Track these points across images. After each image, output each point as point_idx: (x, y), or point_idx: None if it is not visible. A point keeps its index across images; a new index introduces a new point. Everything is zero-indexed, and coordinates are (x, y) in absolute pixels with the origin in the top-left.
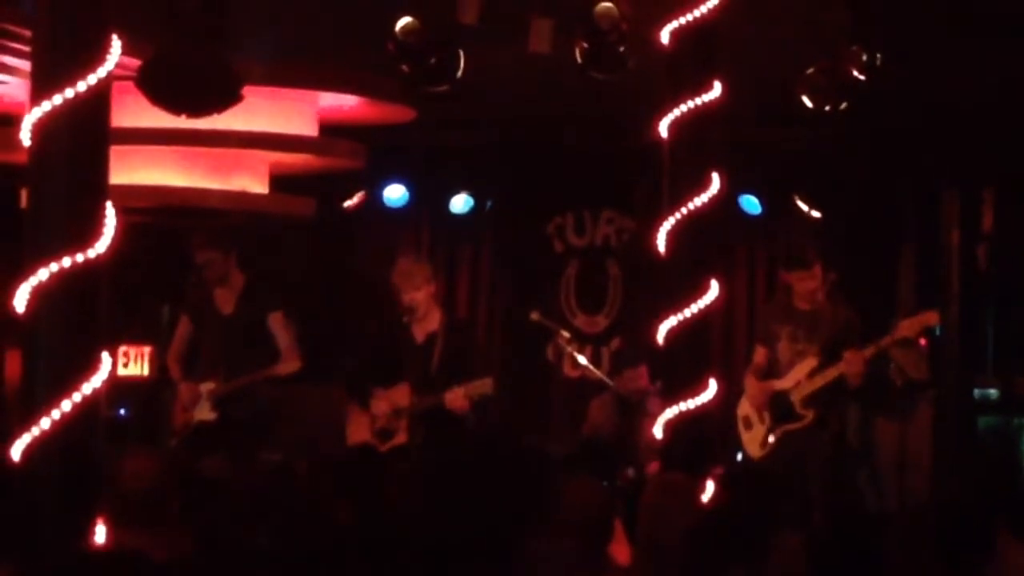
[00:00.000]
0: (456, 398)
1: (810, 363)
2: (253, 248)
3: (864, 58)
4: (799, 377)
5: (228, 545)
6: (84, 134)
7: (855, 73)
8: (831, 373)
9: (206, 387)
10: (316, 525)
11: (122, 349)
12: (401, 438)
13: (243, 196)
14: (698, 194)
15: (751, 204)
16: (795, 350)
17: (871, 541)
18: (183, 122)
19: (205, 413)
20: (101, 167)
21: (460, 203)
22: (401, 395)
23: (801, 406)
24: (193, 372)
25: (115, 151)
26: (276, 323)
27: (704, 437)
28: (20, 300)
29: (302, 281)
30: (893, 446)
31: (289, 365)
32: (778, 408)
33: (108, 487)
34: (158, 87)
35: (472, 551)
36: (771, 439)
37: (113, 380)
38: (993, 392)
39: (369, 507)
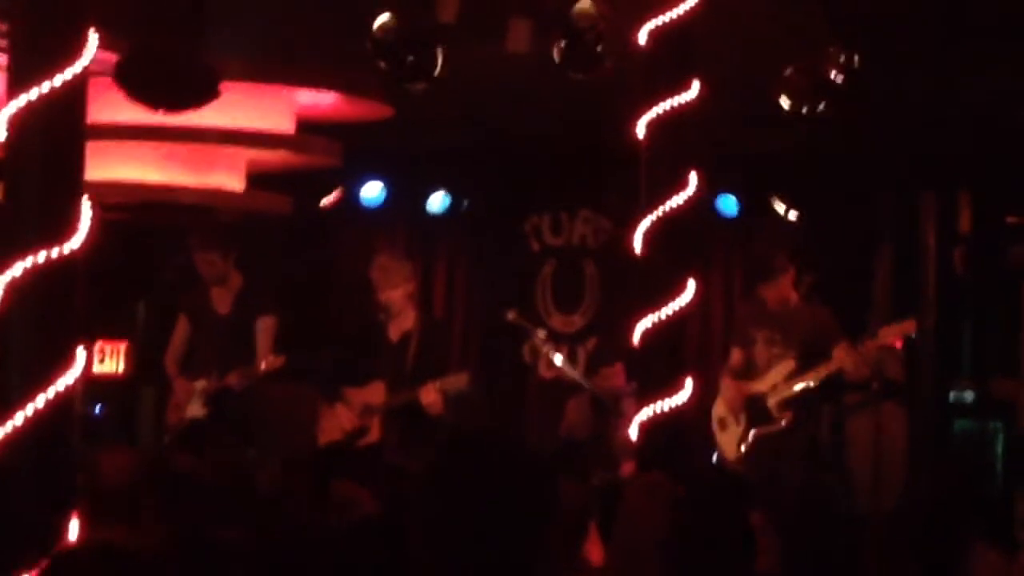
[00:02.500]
0: (430, 393)
1: (788, 366)
2: (252, 249)
3: (842, 59)
4: (776, 380)
5: (201, 542)
6: (60, 129)
7: (833, 74)
8: (817, 373)
9: (199, 385)
10: (285, 522)
11: (97, 345)
12: (374, 435)
13: (219, 193)
14: (675, 194)
15: (728, 204)
16: (771, 353)
17: (845, 543)
18: (160, 118)
19: (197, 411)
20: (77, 162)
21: (437, 202)
22: (375, 393)
23: (777, 409)
24: (187, 370)
25: (92, 147)
26: (262, 326)
27: (679, 438)
28: None
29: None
30: (867, 448)
31: (267, 362)
32: (754, 411)
33: (84, 484)
34: (135, 83)
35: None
36: (746, 441)
37: (88, 377)
38: (969, 395)
39: (335, 505)
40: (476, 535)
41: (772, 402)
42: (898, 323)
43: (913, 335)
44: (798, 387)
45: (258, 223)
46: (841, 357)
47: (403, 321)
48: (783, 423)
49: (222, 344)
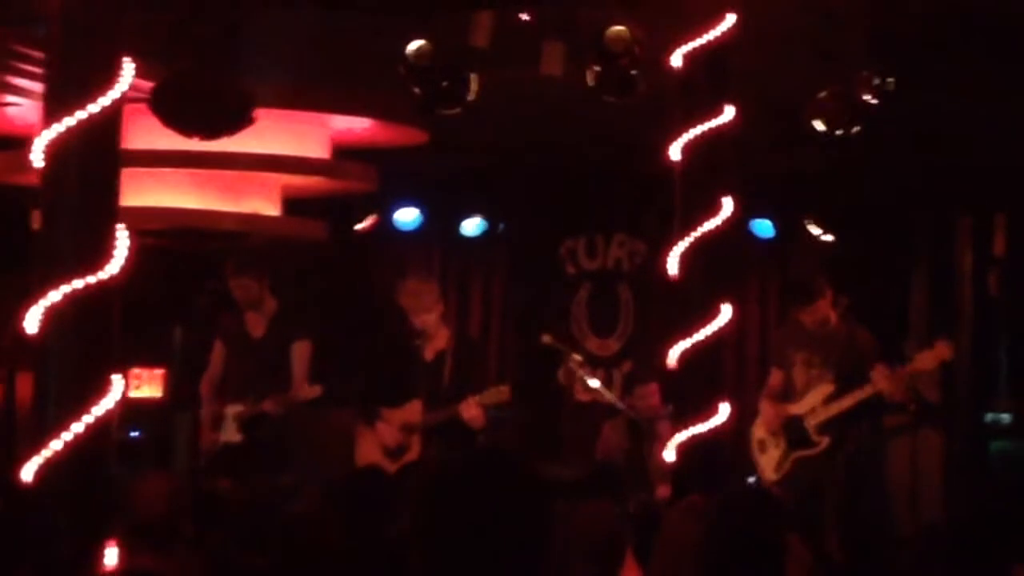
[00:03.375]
0: (471, 407)
1: (826, 389)
2: (288, 274)
3: (876, 82)
4: (815, 403)
5: (237, 568)
6: (96, 156)
7: (867, 97)
8: (854, 397)
9: (233, 409)
10: (324, 548)
11: (134, 371)
12: (413, 454)
13: (255, 218)
14: (710, 218)
15: (763, 228)
16: (810, 375)
17: (883, 565)
18: (196, 144)
19: (231, 435)
20: (113, 189)
21: (472, 226)
22: (412, 412)
23: (816, 432)
24: (221, 394)
25: (127, 173)
26: (297, 351)
27: (716, 461)
28: (32, 322)
29: (315, 303)
30: (904, 470)
31: (305, 391)
32: (793, 433)
33: (121, 510)
34: (171, 109)
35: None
36: (786, 464)
37: (125, 402)
38: (1006, 416)
39: (374, 529)
40: (466, 553)
41: (810, 424)
42: (933, 348)
43: (948, 360)
44: (836, 410)
45: (294, 247)
46: (879, 379)
47: (437, 341)
48: (822, 446)
49: (257, 368)
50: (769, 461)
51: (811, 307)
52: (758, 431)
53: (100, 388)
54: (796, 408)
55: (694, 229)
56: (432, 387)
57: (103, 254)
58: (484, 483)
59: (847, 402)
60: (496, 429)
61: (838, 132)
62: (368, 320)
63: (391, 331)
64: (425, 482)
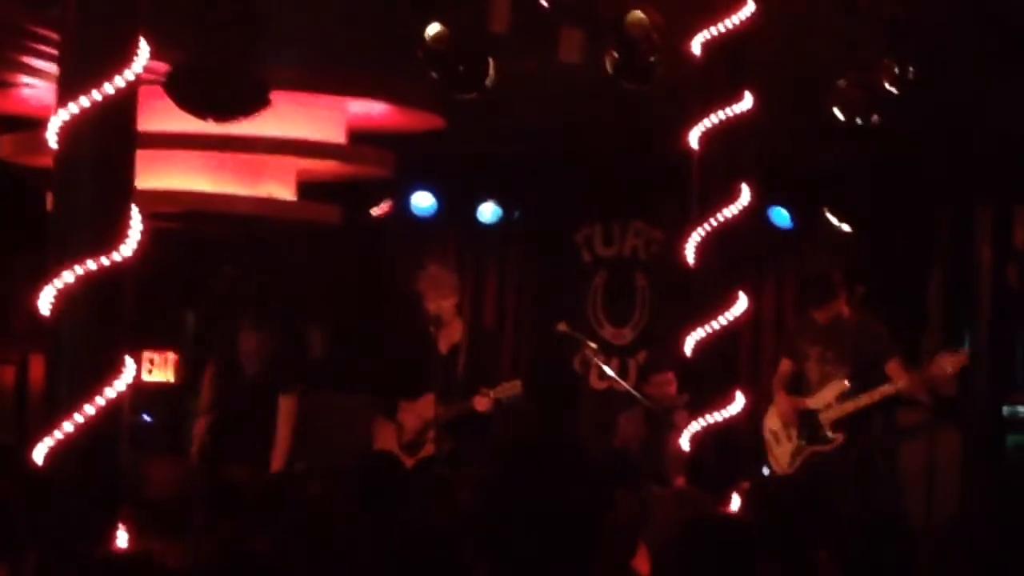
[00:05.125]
0: (483, 402)
1: (840, 386)
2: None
3: (897, 71)
4: (829, 399)
5: (248, 553)
6: (110, 137)
7: (888, 86)
8: (869, 397)
9: None
10: (337, 535)
11: (147, 355)
12: (429, 449)
13: (270, 202)
14: (727, 206)
15: (781, 217)
16: (824, 370)
17: (902, 560)
18: (211, 127)
19: None
20: (127, 170)
21: (488, 212)
22: (427, 407)
23: (830, 428)
24: None
25: (142, 156)
26: (284, 408)
27: (731, 450)
28: (44, 303)
29: (330, 289)
30: (920, 465)
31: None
32: (807, 428)
33: (132, 493)
34: (186, 92)
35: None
36: (799, 457)
37: (137, 385)
38: (1023, 410)
39: (387, 516)
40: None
41: (825, 420)
42: (953, 354)
43: (967, 365)
44: (852, 407)
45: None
46: (895, 377)
47: (451, 333)
48: (836, 443)
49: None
50: (783, 454)
51: (826, 307)
52: (771, 422)
53: (113, 370)
54: (811, 402)
55: (711, 217)
56: (446, 381)
57: (117, 236)
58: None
59: (864, 401)
60: (507, 418)
61: (858, 121)
62: (383, 307)
63: (406, 317)
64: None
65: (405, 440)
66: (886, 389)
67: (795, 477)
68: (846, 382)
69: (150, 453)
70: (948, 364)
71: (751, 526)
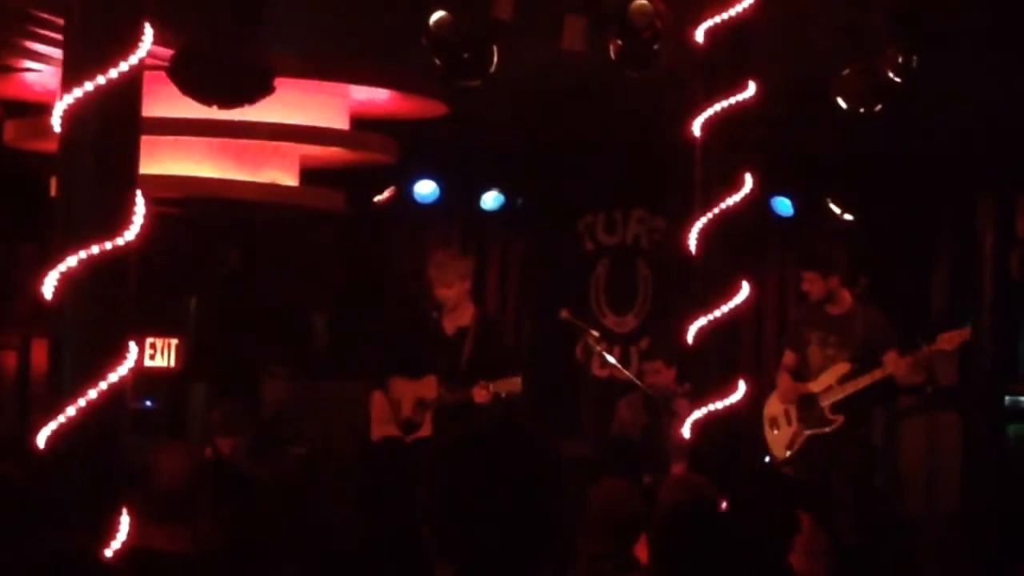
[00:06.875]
0: (483, 394)
1: (841, 368)
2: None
3: (900, 60)
4: (830, 381)
5: (253, 540)
6: (114, 122)
7: (891, 75)
8: (870, 377)
9: None
10: (334, 519)
11: (149, 340)
12: (426, 431)
13: (273, 188)
14: (730, 194)
15: (783, 205)
16: (825, 355)
17: (900, 546)
18: (214, 113)
19: None
20: (131, 155)
21: (491, 200)
22: (428, 387)
23: (831, 411)
24: None
25: (145, 141)
26: None
27: (732, 438)
28: (48, 287)
29: (333, 275)
30: (920, 452)
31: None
32: (806, 411)
33: (137, 481)
34: (190, 77)
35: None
36: (797, 442)
37: (140, 371)
38: None
39: (396, 499)
40: (478, 526)
41: (825, 404)
42: (956, 330)
43: (970, 340)
44: (852, 389)
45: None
46: (892, 363)
47: (460, 316)
48: (836, 425)
49: None
50: (781, 439)
51: (821, 276)
52: (771, 408)
53: (115, 355)
54: (813, 386)
55: (714, 206)
56: (450, 365)
57: (121, 220)
58: (497, 455)
59: (863, 382)
60: (503, 407)
61: (861, 110)
62: (385, 293)
63: (406, 302)
64: (439, 453)
65: (403, 418)
66: (880, 372)
67: (791, 466)
68: (847, 365)
69: (151, 439)
70: (948, 341)
71: (738, 510)
